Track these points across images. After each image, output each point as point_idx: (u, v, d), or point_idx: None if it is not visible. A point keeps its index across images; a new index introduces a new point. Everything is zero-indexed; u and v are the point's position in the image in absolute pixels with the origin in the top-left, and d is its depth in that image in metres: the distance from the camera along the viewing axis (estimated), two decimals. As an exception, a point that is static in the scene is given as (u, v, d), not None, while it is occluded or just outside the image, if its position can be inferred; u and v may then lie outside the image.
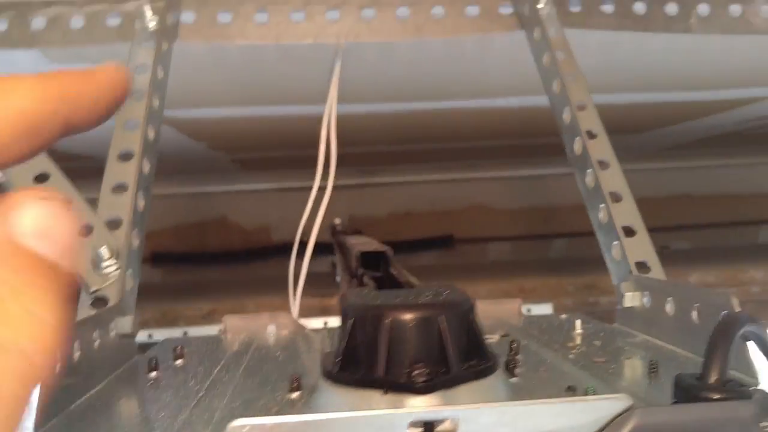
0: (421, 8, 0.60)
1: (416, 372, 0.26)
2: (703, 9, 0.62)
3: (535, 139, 1.56)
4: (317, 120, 1.09)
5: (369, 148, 1.51)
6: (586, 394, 0.28)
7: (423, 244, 2.02)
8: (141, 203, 0.46)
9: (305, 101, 0.93)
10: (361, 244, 0.63)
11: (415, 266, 1.80)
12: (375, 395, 0.26)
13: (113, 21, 0.58)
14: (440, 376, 0.26)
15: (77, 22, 0.57)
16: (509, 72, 0.85)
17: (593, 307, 1.21)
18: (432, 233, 2.06)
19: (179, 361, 0.39)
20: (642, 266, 0.46)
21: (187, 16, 0.59)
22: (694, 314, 0.37)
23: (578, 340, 0.43)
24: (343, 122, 1.18)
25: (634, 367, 0.36)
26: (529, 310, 1.12)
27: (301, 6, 0.59)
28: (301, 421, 0.23)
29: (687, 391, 0.27)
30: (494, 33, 0.60)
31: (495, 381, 0.28)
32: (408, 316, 0.27)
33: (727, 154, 2.11)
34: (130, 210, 0.45)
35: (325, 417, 0.23)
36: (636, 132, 1.49)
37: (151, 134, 0.49)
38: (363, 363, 0.27)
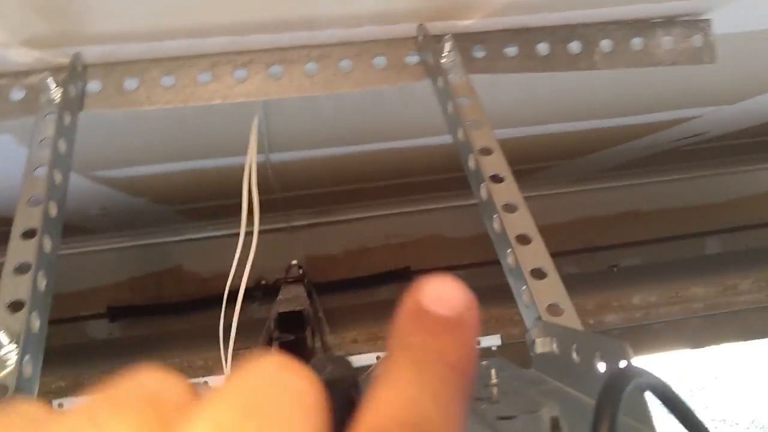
0: (328, 63, 0.60)
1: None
2: (605, 45, 0.64)
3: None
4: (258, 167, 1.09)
5: (315, 189, 1.51)
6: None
7: (380, 279, 2.02)
8: (43, 283, 0.45)
9: (235, 153, 0.92)
10: (286, 300, 0.62)
11: (374, 301, 1.79)
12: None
13: (17, 95, 0.57)
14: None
15: (-22, 98, 0.56)
16: (433, 112, 0.86)
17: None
18: (389, 267, 2.06)
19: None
20: (554, 308, 0.46)
21: (93, 86, 0.58)
22: (597, 362, 0.37)
23: (493, 392, 0.43)
24: (284, 168, 1.19)
25: (536, 425, 0.36)
26: (478, 343, 1.13)
27: (208, 67, 0.59)
28: None
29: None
30: (402, 83, 0.61)
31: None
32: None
33: (670, 170, 2.17)
34: (30, 291, 0.44)
35: None
36: (578, 156, 1.52)
37: (53, 210, 0.48)
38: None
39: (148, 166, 0.97)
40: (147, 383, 0.17)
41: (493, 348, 1.10)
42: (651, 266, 1.87)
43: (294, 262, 2.13)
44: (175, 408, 0.16)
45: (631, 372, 0.31)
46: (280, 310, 0.51)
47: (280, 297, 0.66)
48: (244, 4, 0.54)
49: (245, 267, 0.71)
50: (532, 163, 1.51)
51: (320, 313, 0.70)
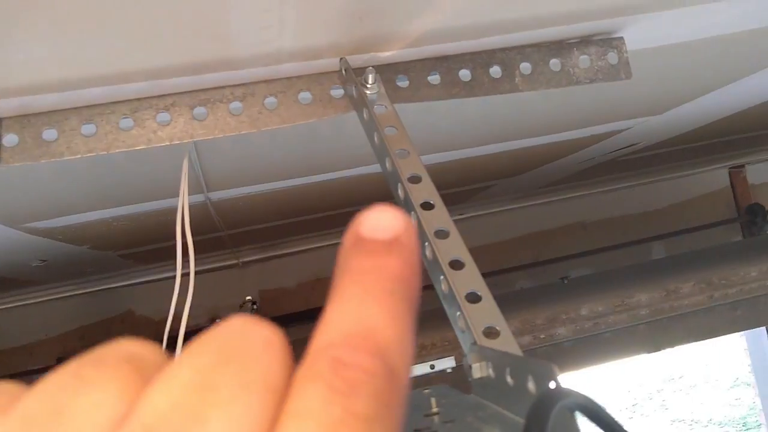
0: (253, 101, 0.60)
1: None
2: (525, 67, 0.65)
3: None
4: (193, 208, 1.07)
5: (264, 224, 1.50)
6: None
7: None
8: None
9: (171, 195, 0.91)
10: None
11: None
12: None
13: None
14: None
15: None
16: (363, 142, 0.87)
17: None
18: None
19: None
20: (490, 331, 0.46)
21: (10, 139, 0.57)
22: (530, 385, 0.37)
23: (434, 420, 0.42)
24: (226, 206, 1.18)
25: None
26: (432, 366, 1.12)
27: (129, 113, 0.58)
28: None
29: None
30: (328, 117, 0.61)
31: None
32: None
33: (611, 180, 2.22)
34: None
35: None
36: (516, 174, 1.55)
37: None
38: None
39: (83, 214, 0.95)
40: (127, 347, 0.18)
41: (448, 370, 1.10)
42: (599, 276, 1.91)
43: (248, 297, 2.11)
44: (154, 366, 0.17)
45: (558, 393, 0.31)
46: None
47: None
48: (161, 48, 0.53)
49: (184, 309, 0.69)
50: (472, 183, 1.53)
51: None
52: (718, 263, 1.37)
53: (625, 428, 0.33)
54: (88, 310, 2.01)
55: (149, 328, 2.03)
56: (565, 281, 1.94)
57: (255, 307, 2.02)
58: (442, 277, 0.48)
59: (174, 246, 1.41)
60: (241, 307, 1.81)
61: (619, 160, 1.69)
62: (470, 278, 0.49)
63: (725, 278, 1.20)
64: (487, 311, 0.48)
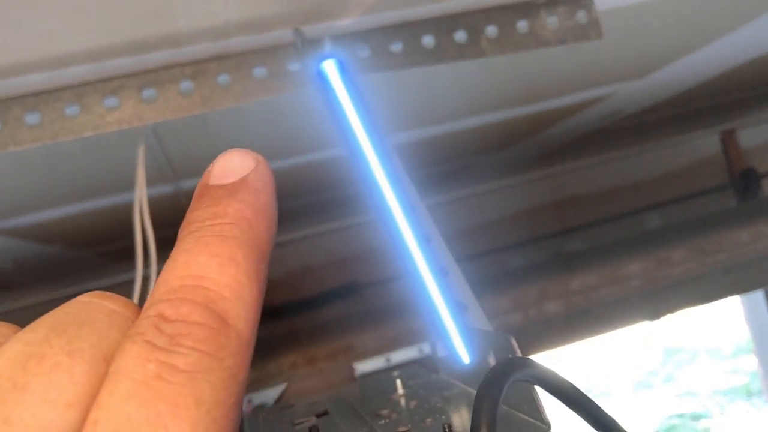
0: (205, 79, 0.57)
1: None
2: (491, 31, 0.62)
3: (414, 173, 1.56)
4: (164, 198, 1.04)
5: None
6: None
7: (327, 297, 1.98)
8: None
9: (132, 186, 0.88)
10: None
11: (318, 323, 1.75)
12: None
13: None
14: None
15: None
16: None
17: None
18: (334, 283, 2.03)
19: None
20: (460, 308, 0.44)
21: (-53, 131, 0.54)
22: (491, 359, 0.35)
23: (399, 403, 0.40)
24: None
25: (429, 434, 0.33)
26: (421, 350, 1.10)
27: (75, 99, 0.55)
28: None
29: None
30: (286, 92, 0.58)
31: None
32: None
33: (601, 151, 2.19)
34: None
35: None
36: (501, 149, 1.52)
37: None
38: None
39: (48, 210, 0.92)
40: None
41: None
42: (592, 249, 1.88)
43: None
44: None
45: (514, 365, 0.28)
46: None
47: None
48: (100, 26, 0.50)
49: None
50: (456, 161, 1.50)
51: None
52: (709, 230, 1.35)
53: (589, 399, 0.30)
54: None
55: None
56: (559, 256, 1.92)
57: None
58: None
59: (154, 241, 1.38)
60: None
61: (607, 130, 1.66)
62: (437, 254, 0.46)
63: (717, 244, 1.17)
64: (456, 286, 0.45)
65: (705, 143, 2.39)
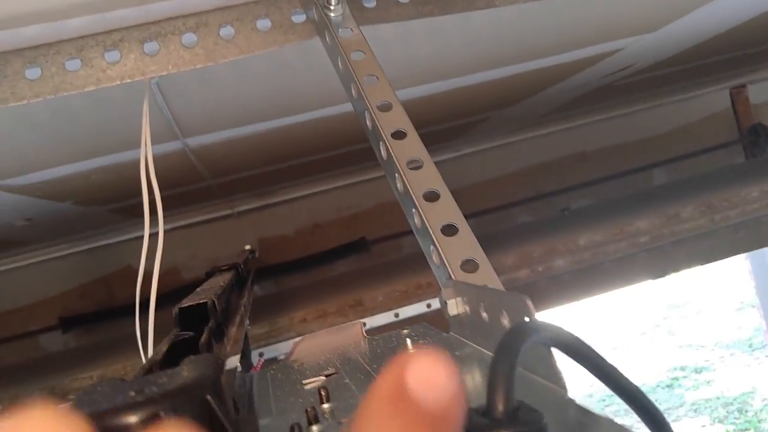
0: (207, 31, 0.56)
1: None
2: (502, -20, 0.60)
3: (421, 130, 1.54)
4: (172, 155, 1.03)
5: (250, 171, 1.46)
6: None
7: (337, 253, 1.99)
8: None
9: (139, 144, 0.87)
10: (195, 293, 0.58)
11: (328, 277, 1.75)
12: None
13: None
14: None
15: None
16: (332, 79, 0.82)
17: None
18: (343, 240, 2.03)
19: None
20: (469, 265, 0.43)
21: (-52, 85, 0.53)
22: (504, 320, 0.34)
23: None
24: (208, 152, 1.13)
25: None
26: (429, 305, 1.10)
27: (75, 52, 0.54)
28: None
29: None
30: (290, 44, 0.56)
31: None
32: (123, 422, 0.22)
33: (609, 107, 2.16)
34: None
35: None
36: (510, 104, 1.50)
37: None
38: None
39: (56, 168, 0.91)
40: None
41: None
42: (599, 205, 1.87)
43: (247, 246, 2.09)
44: None
45: (530, 327, 0.28)
46: (182, 305, 0.47)
47: (198, 289, 0.62)
48: (99, -24, 0.49)
49: (155, 265, 0.67)
50: (464, 117, 1.48)
51: (245, 302, 0.66)
52: (718, 186, 1.33)
53: (606, 361, 0.30)
54: (86, 268, 1.99)
55: (148, 283, 2.02)
56: (566, 213, 1.91)
57: (254, 255, 2.00)
58: (414, 210, 0.45)
59: (165, 197, 1.38)
60: (240, 256, 1.79)
61: (616, 85, 1.63)
62: (446, 210, 0.46)
63: (726, 200, 1.16)
64: (465, 243, 0.44)
65: (714, 99, 2.35)
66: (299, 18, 0.57)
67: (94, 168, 0.97)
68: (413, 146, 0.48)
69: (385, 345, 0.44)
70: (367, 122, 0.49)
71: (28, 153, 0.83)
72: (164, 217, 2.09)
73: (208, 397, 0.24)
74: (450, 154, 2.07)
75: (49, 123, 0.74)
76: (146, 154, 0.62)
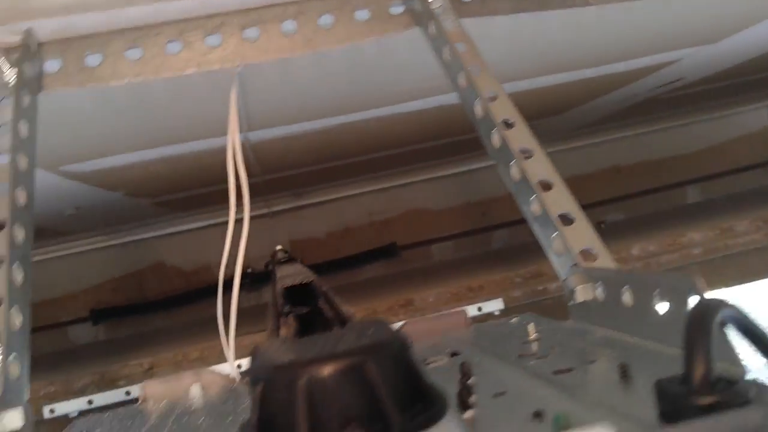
0: (307, 19, 0.56)
1: (348, 435, 0.22)
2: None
3: (458, 137, 1.54)
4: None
5: (295, 170, 1.46)
6: (557, 423, 0.24)
7: (366, 257, 1.98)
8: (19, 276, 0.40)
9: (211, 134, 0.87)
10: (288, 276, 0.58)
11: (361, 280, 1.75)
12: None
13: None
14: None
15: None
16: (413, 73, 0.82)
17: (543, 295, 1.19)
18: (374, 244, 2.02)
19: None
20: (587, 254, 0.43)
21: (52, 65, 0.53)
22: (656, 303, 0.33)
23: (534, 347, 0.39)
24: (264, 148, 1.14)
25: (602, 373, 0.32)
26: (480, 309, 1.09)
27: (177, 35, 0.54)
28: None
29: (673, 401, 0.23)
30: (388, 34, 0.56)
31: (447, 427, 0.24)
32: (326, 371, 0.22)
33: (646, 122, 2.15)
34: (7, 285, 0.39)
35: None
36: (554, 114, 1.49)
37: (22, 198, 0.43)
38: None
39: (120, 156, 0.91)
40: None
41: (496, 312, 1.07)
42: (639, 219, 1.86)
43: (279, 247, 2.08)
44: None
45: (715, 304, 0.27)
46: (287, 285, 0.46)
47: (279, 275, 0.62)
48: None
49: (238, 252, 0.66)
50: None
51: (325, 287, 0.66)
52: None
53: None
54: (119, 262, 1.99)
55: (180, 279, 2.02)
56: (603, 226, 1.89)
57: (286, 256, 1.99)
58: (533, 197, 0.44)
59: (208, 193, 1.38)
60: (274, 256, 1.78)
61: (658, 99, 1.62)
62: (562, 199, 0.45)
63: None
64: (583, 233, 0.44)
65: (752, 117, 2.33)
66: (397, 9, 0.57)
67: (156, 158, 0.97)
68: (523, 135, 0.47)
69: (499, 331, 0.44)
70: (477, 111, 0.49)
71: (98, 139, 0.83)
72: (201, 214, 2.10)
73: (406, 348, 0.25)
74: (486, 163, 2.06)
75: (126, 109, 0.74)
76: (234, 140, 0.62)
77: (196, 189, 1.29)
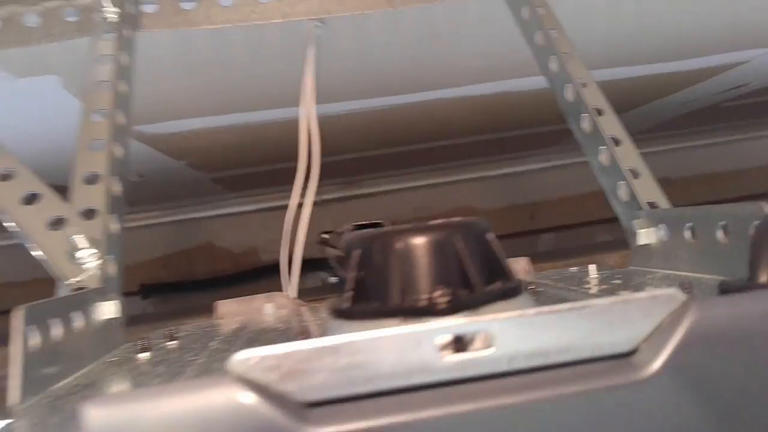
0: (391, -25, 0.58)
1: (436, 295, 0.24)
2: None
3: (512, 132, 1.54)
4: (295, 126, 1.06)
5: (348, 155, 1.49)
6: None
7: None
8: (116, 189, 0.43)
9: (280, 103, 0.90)
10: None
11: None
12: (393, 324, 0.23)
13: (70, 16, 0.56)
14: (463, 298, 0.24)
15: (32, 20, 0.55)
16: (483, 51, 0.84)
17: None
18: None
19: (173, 343, 0.36)
20: (652, 207, 0.44)
21: (149, 6, 0.57)
22: (720, 234, 0.34)
23: (596, 282, 0.40)
24: (324, 125, 1.16)
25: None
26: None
27: (268, -16, 0.57)
28: (315, 348, 0.19)
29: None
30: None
31: (523, 301, 0.25)
32: (420, 239, 0.24)
33: (699, 134, 2.12)
34: (104, 198, 0.42)
35: (340, 341, 0.20)
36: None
37: (121, 119, 0.46)
38: (376, 294, 0.24)
39: (192, 119, 0.95)
40: None
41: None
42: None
43: (324, 235, 2.11)
44: None
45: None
46: (357, 224, 0.49)
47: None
48: None
49: (297, 232, 0.69)
50: (558, 123, 1.47)
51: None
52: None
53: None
54: (171, 240, 2.05)
55: (228, 260, 2.06)
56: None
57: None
58: (603, 147, 0.46)
59: (266, 172, 1.40)
60: (320, 240, 1.82)
61: (720, 106, 1.60)
62: (629, 154, 0.47)
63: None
64: (649, 187, 0.45)
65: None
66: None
67: (224, 126, 1.00)
68: (612, 123, 0.49)
69: (561, 276, 0.45)
70: (568, 96, 0.50)
71: (168, 99, 0.87)
72: (253, 196, 2.13)
73: (488, 231, 0.27)
74: (538, 165, 2.05)
75: (207, 65, 0.77)
76: (309, 110, 0.64)
77: (254, 166, 1.33)
